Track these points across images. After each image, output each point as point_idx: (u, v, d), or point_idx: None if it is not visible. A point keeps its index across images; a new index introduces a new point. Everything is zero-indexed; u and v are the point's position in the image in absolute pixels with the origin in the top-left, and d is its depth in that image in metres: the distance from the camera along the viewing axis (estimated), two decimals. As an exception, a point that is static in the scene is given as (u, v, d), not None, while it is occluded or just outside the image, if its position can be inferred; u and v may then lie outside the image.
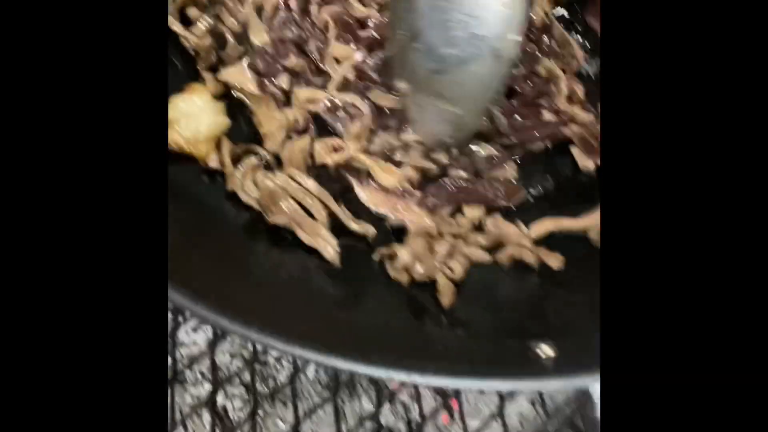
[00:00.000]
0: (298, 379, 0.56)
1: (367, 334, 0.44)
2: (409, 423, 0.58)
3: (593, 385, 0.46)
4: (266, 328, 0.41)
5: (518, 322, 0.43)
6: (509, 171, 0.52)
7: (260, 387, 0.58)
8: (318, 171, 0.52)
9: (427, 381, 0.38)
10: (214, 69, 0.56)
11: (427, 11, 0.43)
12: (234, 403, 0.59)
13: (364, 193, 0.51)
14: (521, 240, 0.48)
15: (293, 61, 0.55)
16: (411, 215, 0.50)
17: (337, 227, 0.50)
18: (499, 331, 0.42)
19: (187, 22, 0.57)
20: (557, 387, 0.39)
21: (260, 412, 0.56)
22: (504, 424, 0.50)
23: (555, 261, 0.47)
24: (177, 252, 0.43)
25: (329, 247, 0.48)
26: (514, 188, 0.51)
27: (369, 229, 0.50)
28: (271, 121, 0.54)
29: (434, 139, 0.51)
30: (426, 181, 0.51)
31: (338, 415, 0.53)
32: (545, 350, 0.38)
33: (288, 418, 0.58)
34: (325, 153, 0.51)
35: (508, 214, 0.51)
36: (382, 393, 0.58)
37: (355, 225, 0.51)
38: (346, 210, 0.51)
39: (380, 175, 0.51)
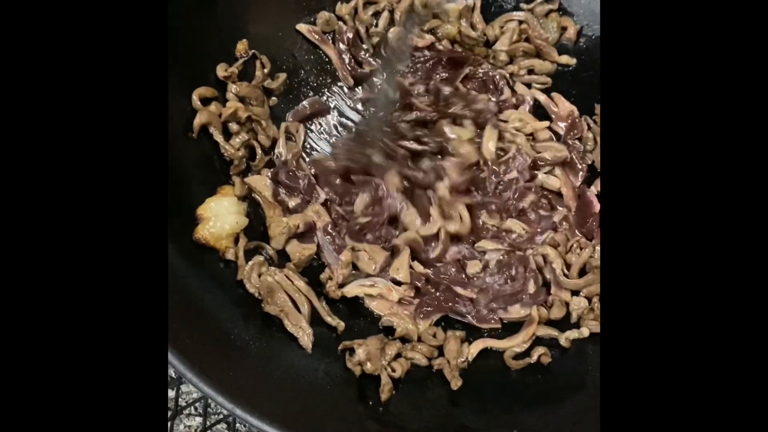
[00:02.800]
0: None
1: (320, 414, 0.58)
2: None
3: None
4: (240, 401, 0.53)
5: (434, 421, 0.58)
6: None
7: None
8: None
9: None
10: (242, 174, 0.72)
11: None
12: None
13: (373, 304, 0.68)
14: (453, 357, 0.63)
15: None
16: (401, 321, 0.66)
17: (316, 318, 0.66)
18: (418, 427, 0.57)
19: (228, 135, 0.73)
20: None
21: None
22: None
23: (455, 383, 0.62)
24: (183, 324, 0.58)
25: (306, 337, 0.63)
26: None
27: (340, 325, 0.65)
28: (278, 225, 0.69)
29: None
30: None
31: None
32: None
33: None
34: (332, 290, 0.68)
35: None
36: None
37: (330, 319, 0.66)
38: (325, 306, 0.66)
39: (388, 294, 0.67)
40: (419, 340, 0.65)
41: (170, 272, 0.61)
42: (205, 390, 0.54)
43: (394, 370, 0.61)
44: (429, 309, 0.67)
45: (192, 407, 0.73)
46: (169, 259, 0.62)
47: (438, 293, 0.68)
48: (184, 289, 0.61)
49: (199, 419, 0.73)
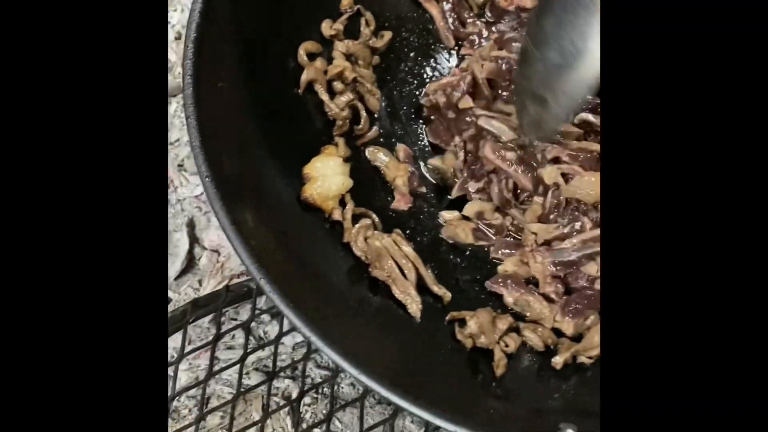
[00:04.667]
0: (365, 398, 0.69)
1: (429, 381, 0.56)
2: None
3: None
4: (352, 359, 0.53)
5: (553, 401, 0.56)
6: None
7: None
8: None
9: None
10: (346, 135, 0.70)
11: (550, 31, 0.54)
12: (306, 400, 0.73)
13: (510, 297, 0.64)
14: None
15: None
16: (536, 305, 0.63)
17: (421, 286, 0.64)
18: (536, 406, 0.55)
19: (332, 93, 0.70)
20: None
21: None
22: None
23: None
24: (293, 279, 0.58)
25: (414, 304, 0.62)
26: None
27: (446, 295, 0.63)
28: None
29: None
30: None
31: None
32: (569, 431, 0.50)
33: (346, 420, 0.71)
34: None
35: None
36: (429, 424, 0.70)
37: (436, 288, 0.64)
38: (431, 274, 0.64)
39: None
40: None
41: (282, 230, 0.60)
42: (326, 350, 0.53)
43: (507, 345, 0.59)
44: (578, 306, 0.61)
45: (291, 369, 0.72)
46: (280, 218, 0.61)
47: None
48: (299, 247, 0.60)
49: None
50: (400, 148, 0.72)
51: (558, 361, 0.59)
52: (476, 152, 0.68)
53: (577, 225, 0.63)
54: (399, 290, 0.62)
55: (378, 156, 0.71)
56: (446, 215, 0.70)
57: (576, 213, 0.63)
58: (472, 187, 0.69)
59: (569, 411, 0.55)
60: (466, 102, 0.69)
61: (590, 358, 0.60)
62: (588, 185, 0.62)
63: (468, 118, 0.70)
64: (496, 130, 0.66)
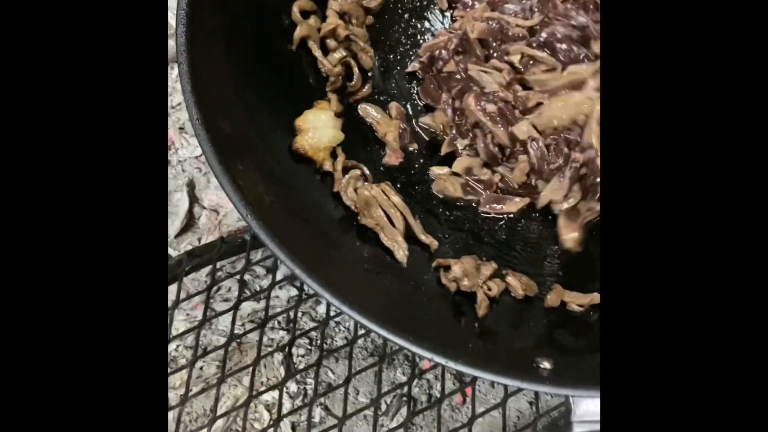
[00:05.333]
0: (354, 343, 0.71)
1: (416, 321, 0.58)
2: (430, 397, 0.73)
3: (575, 397, 0.60)
4: (344, 298, 0.55)
5: (531, 340, 0.58)
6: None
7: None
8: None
9: (454, 366, 0.52)
10: (338, 91, 0.72)
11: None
12: (300, 352, 0.75)
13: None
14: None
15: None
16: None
17: (409, 236, 0.66)
18: (515, 343, 0.57)
19: (325, 51, 0.72)
20: (548, 391, 0.52)
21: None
22: (504, 414, 0.64)
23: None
24: (289, 227, 0.59)
25: (401, 251, 0.63)
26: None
27: (433, 243, 0.65)
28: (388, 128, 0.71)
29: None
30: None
31: (378, 379, 0.69)
32: (545, 363, 0.52)
33: (339, 371, 0.73)
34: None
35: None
36: (414, 369, 0.73)
37: (423, 237, 0.65)
38: (419, 224, 0.66)
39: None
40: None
41: (272, 177, 0.62)
42: (316, 288, 0.54)
43: (490, 289, 0.61)
44: None
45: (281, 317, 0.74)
46: (271, 166, 0.63)
47: None
48: (288, 193, 0.62)
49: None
50: (393, 105, 0.74)
51: (548, 301, 0.61)
52: (463, 108, 0.69)
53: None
54: (387, 237, 0.64)
55: (370, 112, 0.72)
56: (436, 170, 0.71)
57: (561, 146, 0.65)
58: (461, 143, 0.71)
59: (546, 347, 0.56)
60: (450, 66, 0.71)
61: (580, 306, 0.61)
62: (558, 110, 0.64)
63: (458, 75, 0.71)
64: (482, 81, 0.68)
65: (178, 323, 0.76)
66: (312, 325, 0.75)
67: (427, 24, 0.79)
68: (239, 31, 0.66)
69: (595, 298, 0.60)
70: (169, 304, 0.70)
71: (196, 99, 0.58)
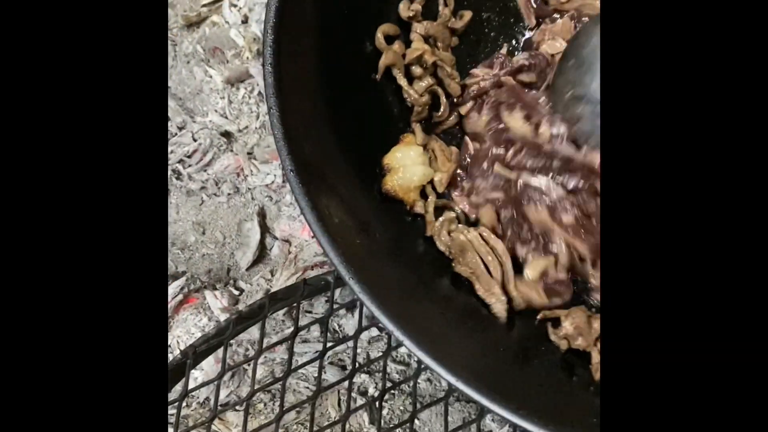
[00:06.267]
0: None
1: (521, 386, 0.53)
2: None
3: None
4: (435, 352, 0.50)
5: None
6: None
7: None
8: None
9: None
10: (424, 123, 0.67)
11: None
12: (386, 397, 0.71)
13: None
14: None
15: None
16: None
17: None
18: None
19: (410, 78, 0.67)
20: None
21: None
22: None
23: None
24: (375, 272, 0.55)
25: (499, 303, 0.58)
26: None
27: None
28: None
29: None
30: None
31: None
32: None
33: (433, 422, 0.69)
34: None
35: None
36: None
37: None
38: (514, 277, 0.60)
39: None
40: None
41: (359, 218, 0.58)
42: (410, 345, 0.50)
43: (604, 347, 0.55)
44: None
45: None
46: (358, 206, 0.59)
47: None
48: (378, 237, 0.58)
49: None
50: (454, 150, 0.66)
51: None
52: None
53: None
54: (483, 288, 0.59)
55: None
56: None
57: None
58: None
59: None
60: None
61: None
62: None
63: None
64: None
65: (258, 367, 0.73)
66: (397, 368, 0.71)
67: (514, 42, 0.73)
68: (323, 61, 0.62)
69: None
70: (251, 352, 0.67)
71: (286, 142, 0.54)
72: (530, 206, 0.59)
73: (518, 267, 0.60)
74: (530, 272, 0.60)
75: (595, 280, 0.59)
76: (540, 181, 0.60)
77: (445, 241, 0.61)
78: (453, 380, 0.50)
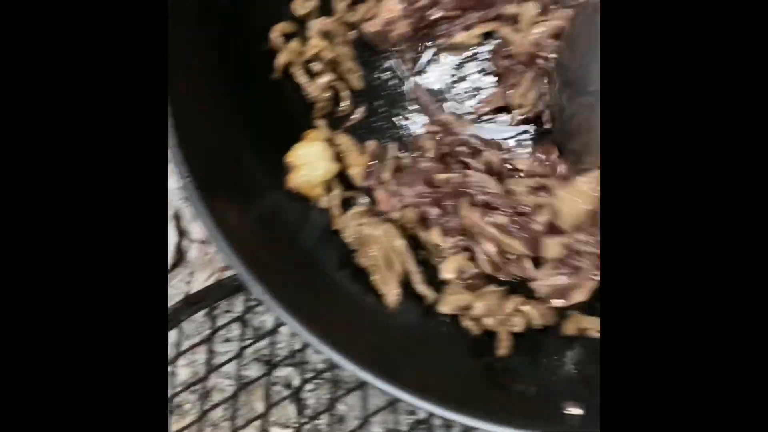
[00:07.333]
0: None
1: (419, 369, 0.55)
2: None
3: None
4: (338, 345, 0.52)
5: (557, 379, 0.56)
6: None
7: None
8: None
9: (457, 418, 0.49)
10: (328, 117, 0.68)
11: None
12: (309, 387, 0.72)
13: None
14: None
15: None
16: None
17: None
18: (538, 386, 0.55)
19: (311, 75, 0.68)
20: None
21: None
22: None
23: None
24: (280, 274, 0.56)
25: (390, 296, 0.61)
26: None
27: (428, 297, 0.61)
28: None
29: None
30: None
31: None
32: (575, 410, 0.50)
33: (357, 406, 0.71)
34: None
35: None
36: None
37: (420, 287, 0.61)
38: (418, 273, 0.62)
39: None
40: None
41: (262, 218, 0.59)
42: (311, 341, 0.52)
43: (514, 325, 0.58)
44: None
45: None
46: (261, 206, 0.60)
47: None
48: (281, 236, 0.60)
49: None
50: (371, 144, 0.67)
51: (566, 329, 0.59)
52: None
53: None
54: (379, 279, 0.61)
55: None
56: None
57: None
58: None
59: (576, 385, 0.54)
60: None
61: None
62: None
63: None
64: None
65: (180, 368, 0.74)
66: (321, 357, 0.72)
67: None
68: (217, 64, 0.62)
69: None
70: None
71: (181, 147, 0.55)
72: (463, 203, 0.61)
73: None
74: (446, 270, 0.61)
75: (537, 279, 0.60)
76: (477, 177, 0.62)
77: (351, 233, 0.62)
78: (362, 374, 0.52)
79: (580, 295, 0.59)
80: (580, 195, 0.57)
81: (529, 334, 0.59)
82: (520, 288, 0.61)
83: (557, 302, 0.59)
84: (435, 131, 0.67)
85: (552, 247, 0.59)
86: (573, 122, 0.60)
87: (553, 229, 0.59)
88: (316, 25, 0.68)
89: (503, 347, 0.57)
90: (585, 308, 0.60)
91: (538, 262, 0.61)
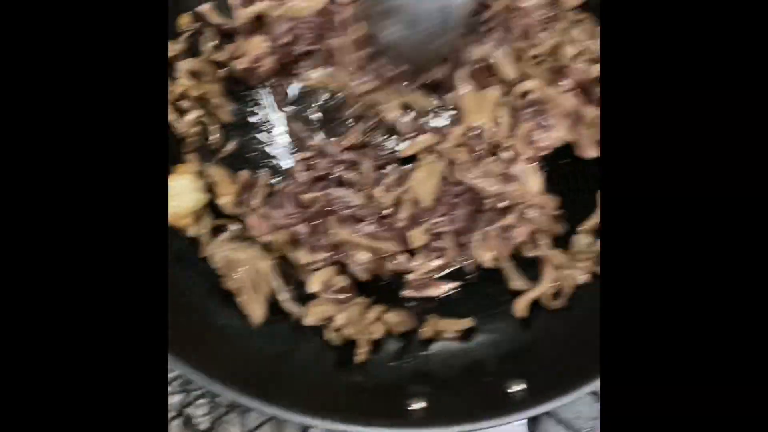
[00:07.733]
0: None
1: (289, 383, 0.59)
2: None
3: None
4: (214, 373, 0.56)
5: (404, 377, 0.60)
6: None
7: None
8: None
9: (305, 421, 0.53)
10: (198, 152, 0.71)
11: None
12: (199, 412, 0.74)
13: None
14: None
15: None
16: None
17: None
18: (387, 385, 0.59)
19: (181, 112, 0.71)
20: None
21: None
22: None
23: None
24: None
25: (255, 316, 0.64)
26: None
27: (293, 314, 0.64)
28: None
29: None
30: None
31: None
32: (418, 403, 0.55)
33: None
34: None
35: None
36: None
37: (288, 305, 0.65)
38: (286, 292, 0.65)
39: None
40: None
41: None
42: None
43: (372, 333, 0.62)
44: None
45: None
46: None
47: None
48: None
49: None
50: (243, 174, 0.70)
51: (424, 333, 0.64)
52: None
53: None
54: (245, 300, 0.64)
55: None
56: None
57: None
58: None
59: (421, 382, 0.59)
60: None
61: (456, 332, 0.64)
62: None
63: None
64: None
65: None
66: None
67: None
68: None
69: (465, 322, 0.63)
70: None
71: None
72: (330, 221, 0.66)
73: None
74: (313, 285, 0.64)
75: (414, 270, 0.65)
76: (341, 192, 0.67)
77: (219, 260, 0.65)
78: (226, 392, 0.56)
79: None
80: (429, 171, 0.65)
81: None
82: (388, 298, 0.65)
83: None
84: (308, 157, 0.70)
85: (416, 236, 0.64)
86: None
87: (414, 220, 0.64)
88: (184, 65, 0.71)
89: (362, 354, 0.60)
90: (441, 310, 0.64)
91: (413, 254, 0.66)
